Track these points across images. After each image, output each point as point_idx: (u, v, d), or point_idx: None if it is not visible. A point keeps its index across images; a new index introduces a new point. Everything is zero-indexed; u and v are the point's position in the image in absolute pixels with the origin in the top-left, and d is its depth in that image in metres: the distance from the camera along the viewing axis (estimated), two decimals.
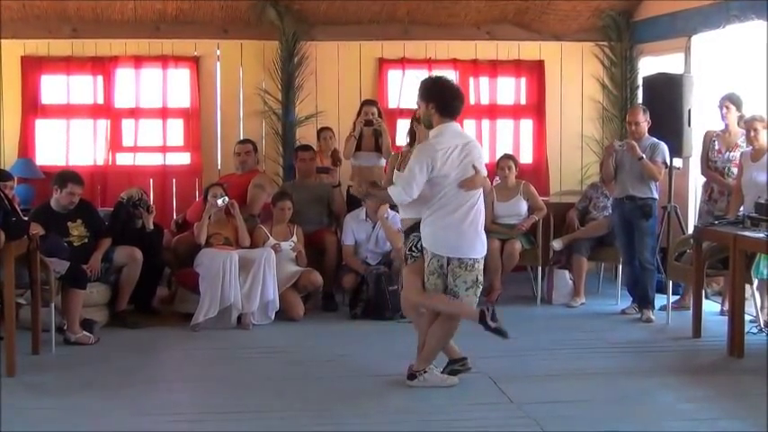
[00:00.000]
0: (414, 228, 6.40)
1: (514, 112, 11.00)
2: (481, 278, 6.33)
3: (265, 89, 10.59)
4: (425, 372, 6.38)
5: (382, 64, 10.72)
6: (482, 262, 6.34)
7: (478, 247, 6.28)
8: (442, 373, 6.47)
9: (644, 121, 8.52)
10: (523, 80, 10.99)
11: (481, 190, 6.31)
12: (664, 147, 8.47)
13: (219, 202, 8.68)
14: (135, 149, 10.55)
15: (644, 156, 8.31)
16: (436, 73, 9.78)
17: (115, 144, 10.47)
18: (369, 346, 7.70)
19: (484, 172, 6.30)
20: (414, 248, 6.45)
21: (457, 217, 6.18)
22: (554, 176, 10.99)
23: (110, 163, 10.46)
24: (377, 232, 8.95)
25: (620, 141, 8.64)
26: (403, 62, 10.66)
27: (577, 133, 10.99)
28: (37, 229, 7.30)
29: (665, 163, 8.54)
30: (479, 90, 10.85)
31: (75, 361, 7.16)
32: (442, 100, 6.25)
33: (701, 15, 9.28)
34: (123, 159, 10.56)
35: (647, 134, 8.52)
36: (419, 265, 6.39)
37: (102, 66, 10.39)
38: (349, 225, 9.06)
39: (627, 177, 8.51)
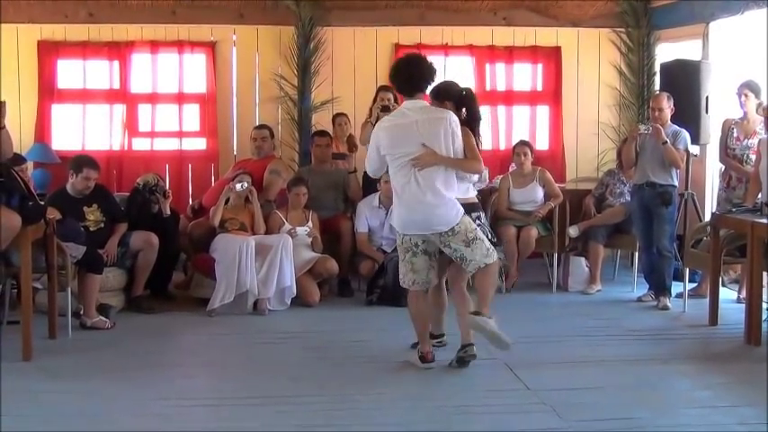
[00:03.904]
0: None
1: (531, 98, 10.98)
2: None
3: (281, 75, 10.58)
4: (490, 318, 6.23)
5: (398, 49, 10.66)
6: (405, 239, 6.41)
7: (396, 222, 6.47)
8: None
9: (667, 107, 8.46)
10: (540, 66, 10.96)
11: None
12: (686, 135, 8.43)
13: (239, 186, 8.67)
14: (151, 135, 10.59)
15: (668, 140, 8.28)
16: (452, 59, 10.12)
17: (131, 129, 10.51)
18: (385, 332, 7.69)
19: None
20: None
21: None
22: (570, 163, 10.98)
23: (126, 148, 10.50)
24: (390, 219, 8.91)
25: (645, 125, 8.55)
26: (419, 48, 10.55)
27: (594, 120, 10.95)
28: (54, 214, 7.31)
29: (687, 151, 8.51)
30: (495, 76, 10.83)
31: (91, 345, 7.18)
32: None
33: (720, 1, 9.23)
34: (139, 144, 10.59)
35: (669, 121, 8.48)
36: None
37: (119, 51, 10.42)
38: (362, 212, 9.02)
39: (648, 163, 8.47)
